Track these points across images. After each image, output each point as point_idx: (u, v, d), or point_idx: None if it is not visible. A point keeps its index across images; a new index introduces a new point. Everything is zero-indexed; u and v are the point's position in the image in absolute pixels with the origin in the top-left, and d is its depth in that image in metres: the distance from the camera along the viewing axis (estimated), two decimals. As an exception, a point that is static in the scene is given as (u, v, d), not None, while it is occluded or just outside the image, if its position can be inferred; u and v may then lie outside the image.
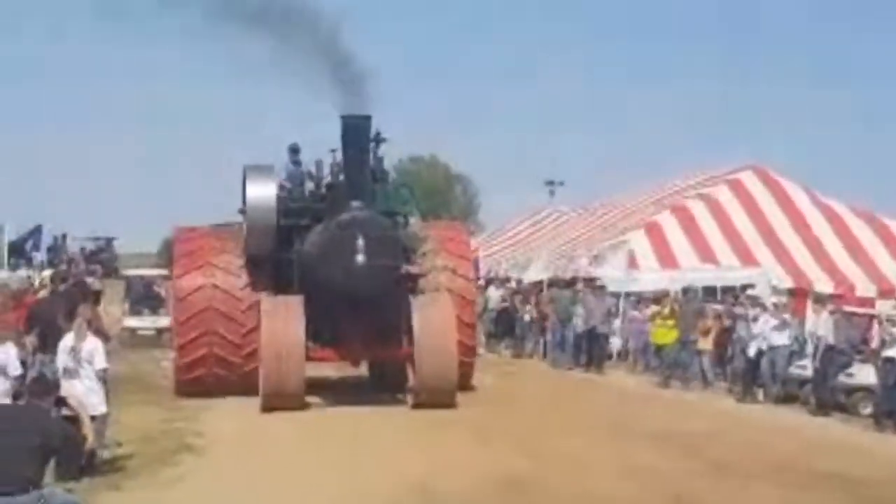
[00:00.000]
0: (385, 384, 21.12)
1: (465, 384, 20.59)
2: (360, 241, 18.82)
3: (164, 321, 29.24)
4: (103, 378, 13.12)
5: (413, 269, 20.36)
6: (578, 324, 28.09)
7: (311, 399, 19.40)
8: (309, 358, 19.15)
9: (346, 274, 18.91)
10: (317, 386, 20.31)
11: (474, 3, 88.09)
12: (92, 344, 12.98)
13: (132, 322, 31.02)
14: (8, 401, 12.00)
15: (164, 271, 32.96)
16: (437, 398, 19.00)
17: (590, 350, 27.78)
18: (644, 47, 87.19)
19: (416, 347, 19.08)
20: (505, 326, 31.80)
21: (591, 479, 13.40)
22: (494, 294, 32.61)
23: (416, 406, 19.18)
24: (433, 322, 19.23)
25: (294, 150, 21.62)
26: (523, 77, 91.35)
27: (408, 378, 19.68)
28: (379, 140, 20.85)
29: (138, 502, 11.80)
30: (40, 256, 33.76)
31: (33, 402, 9.75)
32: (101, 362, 12.95)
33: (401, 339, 19.71)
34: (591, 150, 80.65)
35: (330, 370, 22.16)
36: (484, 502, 12.13)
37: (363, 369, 22.54)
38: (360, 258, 18.85)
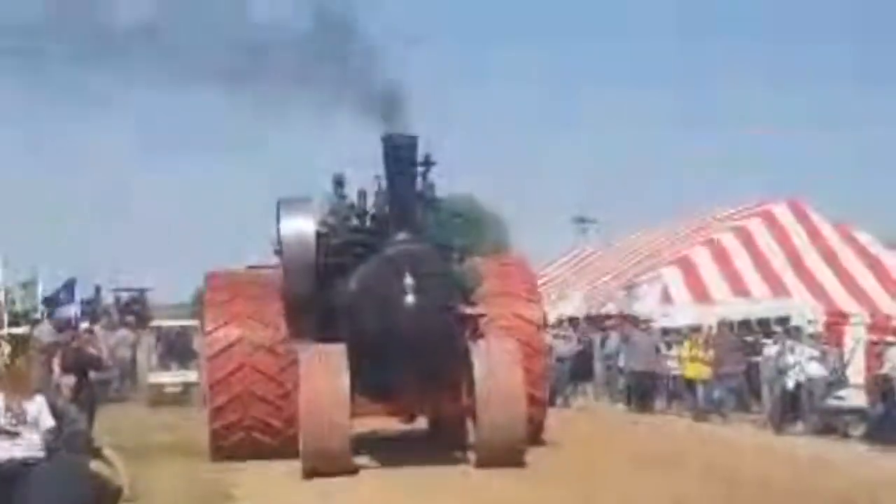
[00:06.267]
0: (446, 440, 17.85)
1: (535, 439, 17.29)
2: (409, 279, 15.86)
3: (192, 376, 26.57)
4: (51, 439, 12.08)
5: (471, 310, 17.09)
6: (627, 363, 26.27)
7: (359, 460, 16.32)
8: (355, 414, 16.03)
9: (394, 316, 15.86)
10: (367, 444, 17.28)
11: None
12: (37, 404, 12.00)
13: (159, 377, 27.83)
14: (42, 455, 11.32)
15: (192, 322, 29.88)
16: (504, 456, 15.72)
17: (643, 390, 25.88)
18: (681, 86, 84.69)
19: (478, 399, 15.85)
20: (581, 371, 28.47)
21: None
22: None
23: (480, 465, 15.85)
24: (497, 370, 16.00)
25: (339, 182, 18.49)
26: (553, 115, 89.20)
27: (472, 431, 16.52)
28: (428, 164, 17.76)
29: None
30: (74, 309, 32.88)
31: (70, 455, 9.00)
32: (47, 422, 11.96)
33: (459, 389, 16.50)
34: (620, 186, 78.60)
35: (383, 425, 18.92)
36: None
37: (421, 423, 19.06)
38: (410, 298, 15.83)
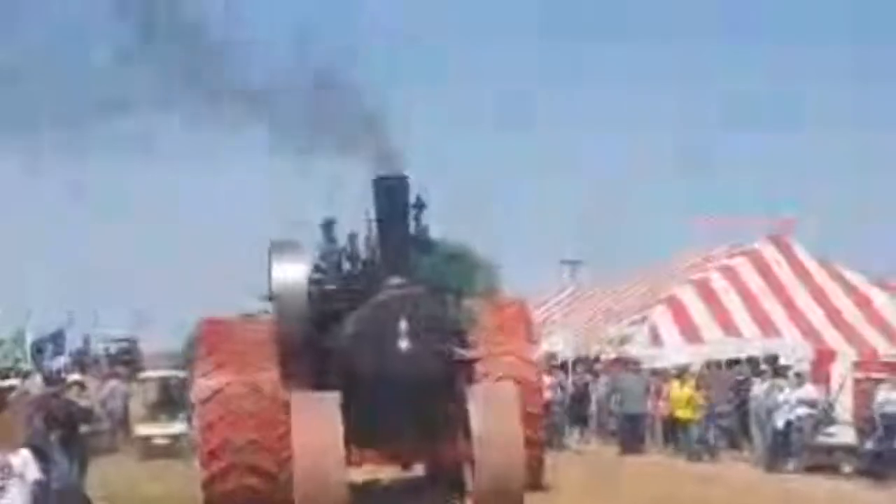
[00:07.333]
0: (444, 486, 17.29)
1: (534, 484, 16.75)
2: (403, 324, 15.44)
3: (179, 427, 26.03)
4: (38, 491, 11.87)
5: (468, 354, 16.49)
6: (619, 405, 25.94)
7: None
8: (350, 462, 15.50)
9: (388, 362, 15.42)
10: (364, 492, 16.78)
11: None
12: (22, 457, 11.83)
13: (144, 430, 26.90)
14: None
15: (180, 373, 29.59)
16: (503, 502, 15.29)
17: (635, 431, 25.51)
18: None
19: (475, 445, 15.25)
20: (577, 414, 28.15)
21: None
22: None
23: None
24: (494, 415, 15.47)
25: (328, 226, 18.07)
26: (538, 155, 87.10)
27: (470, 478, 15.82)
28: (420, 205, 17.36)
29: None
30: (63, 360, 32.50)
31: None
32: (34, 474, 11.80)
33: (456, 435, 15.94)
34: (609, 227, 76.99)
35: (380, 472, 18.49)
36: None
37: (418, 469, 18.64)
38: (404, 344, 15.42)
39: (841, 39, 73.02)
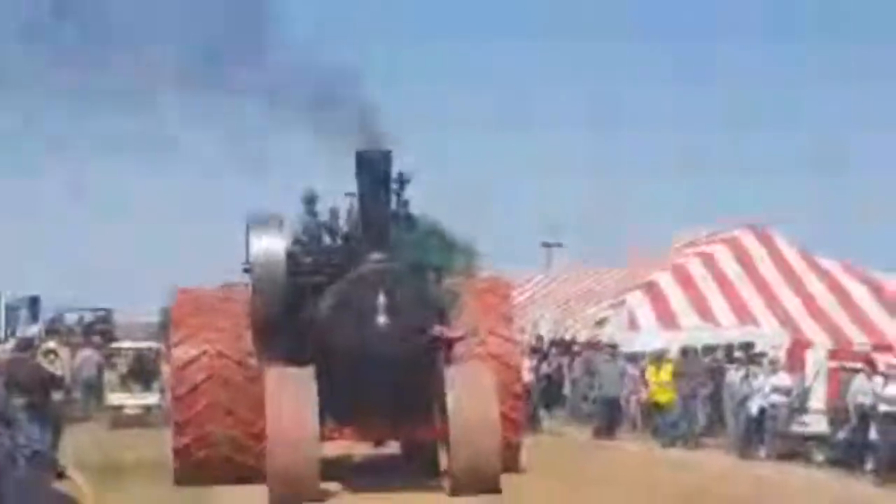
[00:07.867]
0: (419, 465, 16.93)
1: (511, 465, 16.36)
2: (382, 299, 15.10)
3: (153, 398, 26.00)
4: None
5: (446, 332, 16.07)
6: (596, 389, 25.77)
7: (328, 486, 15.47)
8: (324, 438, 15.22)
9: (365, 338, 15.09)
10: (337, 468, 16.46)
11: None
12: None
13: (117, 399, 26.75)
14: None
15: (154, 343, 29.35)
16: (478, 483, 14.96)
17: (611, 416, 25.27)
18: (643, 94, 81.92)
19: (451, 424, 15.00)
20: (552, 396, 28.04)
21: None
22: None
23: (454, 493, 15.08)
24: (471, 394, 15.17)
25: (309, 200, 17.75)
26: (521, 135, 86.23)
27: (445, 458, 15.61)
28: (403, 180, 17.12)
29: None
30: (37, 327, 32.23)
31: (31, 473, 8.61)
32: None
33: (433, 414, 15.64)
34: (589, 208, 76.34)
35: (353, 448, 18.26)
36: None
37: (394, 447, 18.30)
38: (382, 319, 15.10)
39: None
